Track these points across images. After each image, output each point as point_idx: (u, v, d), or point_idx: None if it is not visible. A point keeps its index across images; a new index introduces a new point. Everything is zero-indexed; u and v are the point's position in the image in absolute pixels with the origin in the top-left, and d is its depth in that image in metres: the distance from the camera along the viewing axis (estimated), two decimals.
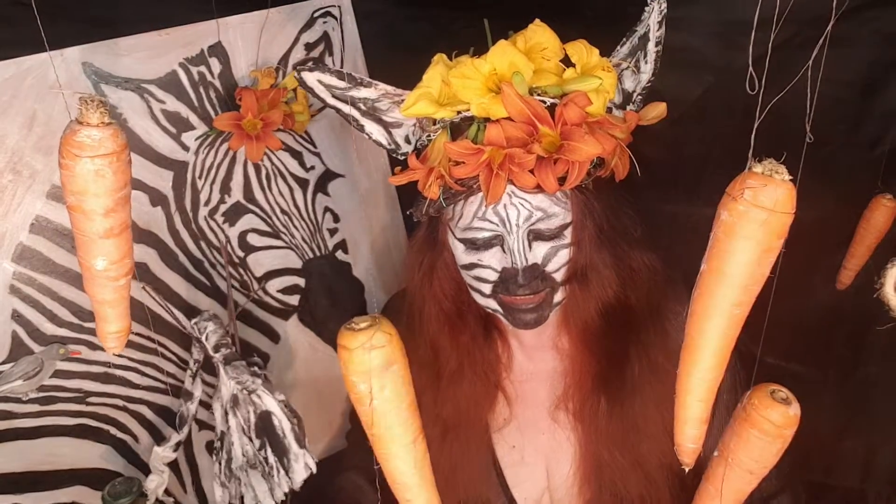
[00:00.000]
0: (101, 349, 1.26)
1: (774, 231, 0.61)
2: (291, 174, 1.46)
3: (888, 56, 1.28)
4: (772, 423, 0.75)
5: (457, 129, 0.92)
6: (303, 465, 1.18)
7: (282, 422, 1.17)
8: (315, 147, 1.49)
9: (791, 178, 0.61)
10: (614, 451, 1.06)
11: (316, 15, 1.44)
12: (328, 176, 1.52)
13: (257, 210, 1.43)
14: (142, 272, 1.30)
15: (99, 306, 0.77)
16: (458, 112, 0.91)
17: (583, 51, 0.89)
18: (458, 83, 0.88)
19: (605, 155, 0.89)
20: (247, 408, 1.16)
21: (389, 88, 0.98)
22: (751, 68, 0.61)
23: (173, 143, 1.31)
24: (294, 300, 1.51)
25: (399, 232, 1.66)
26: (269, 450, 1.17)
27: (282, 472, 1.17)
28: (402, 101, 0.96)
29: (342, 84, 0.97)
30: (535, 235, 0.96)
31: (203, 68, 1.32)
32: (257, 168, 1.41)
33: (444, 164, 0.91)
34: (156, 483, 1.21)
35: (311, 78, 0.97)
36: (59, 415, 1.25)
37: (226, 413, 1.20)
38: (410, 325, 1.11)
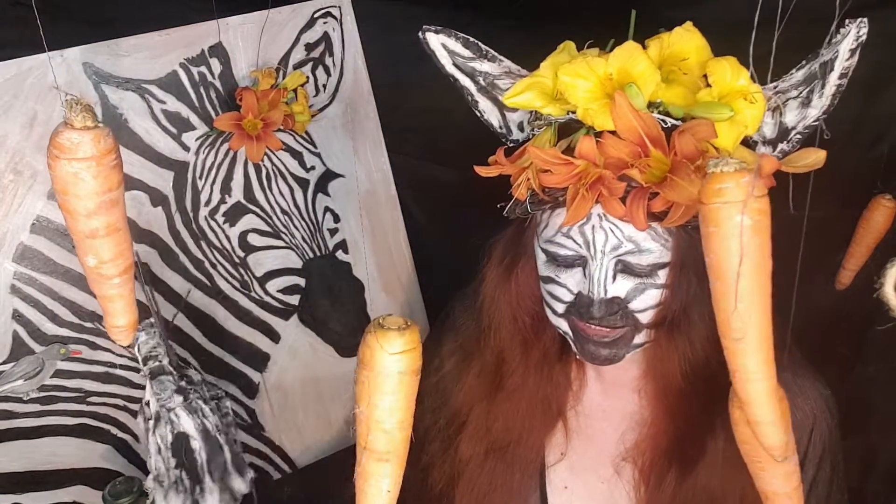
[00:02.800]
0: (102, 349, 1.27)
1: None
2: (292, 174, 1.46)
3: (889, 56, 1.28)
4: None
5: (565, 130, 0.83)
6: (217, 501, 1.11)
7: (199, 448, 1.11)
8: (315, 147, 1.49)
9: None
10: None
11: (316, 15, 1.44)
12: (328, 176, 1.52)
13: (258, 210, 1.43)
14: (142, 272, 1.30)
15: (101, 301, 0.78)
16: (569, 112, 0.81)
17: (726, 70, 0.75)
18: (566, 82, 0.77)
19: None
20: (165, 426, 1.12)
21: (514, 67, 0.89)
22: (751, 68, 0.61)
23: (174, 144, 1.32)
24: (294, 300, 1.51)
25: (399, 232, 1.66)
26: (183, 472, 1.10)
27: (192, 499, 1.12)
28: None
29: (466, 53, 0.89)
30: (624, 267, 0.84)
31: (203, 68, 1.32)
32: (258, 168, 1.41)
33: (535, 165, 0.81)
34: None
35: (434, 40, 0.89)
36: (59, 414, 1.25)
37: (147, 429, 1.15)
38: (479, 326, 1.02)
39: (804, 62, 0.80)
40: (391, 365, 0.69)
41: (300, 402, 1.56)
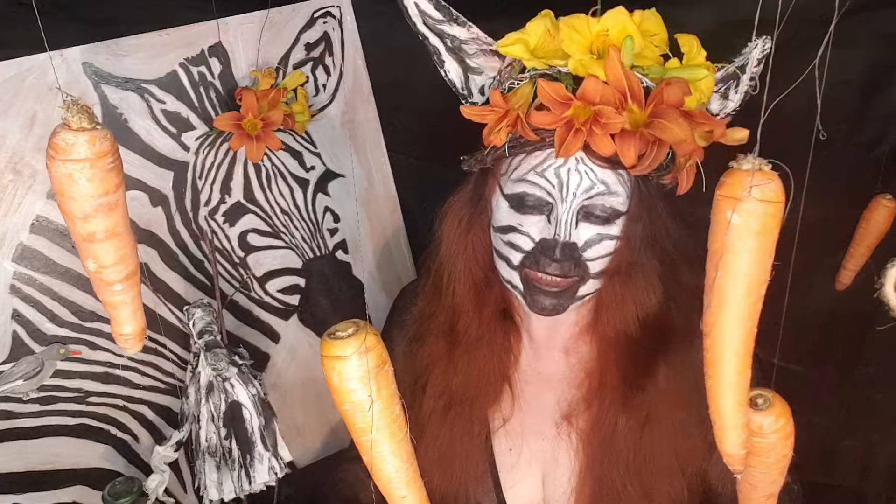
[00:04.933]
0: (102, 349, 1.27)
1: (779, 221, 0.62)
2: (291, 174, 1.46)
3: (889, 56, 1.28)
4: (762, 432, 0.75)
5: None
6: (266, 468, 1.15)
7: (252, 417, 1.15)
8: (315, 147, 1.49)
9: (774, 169, 0.62)
10: (625, 478, 1.00)
11: (316, 15, 1.44)
12: (328, 176, 1.52)
13: (257, 210, 1.43)
14: (142, 272, 1.30)
15: (106, 307, 0.77)
16: (550, 66, 0.87)
17: (694, 45, 0.87)
18: (566, 31, 0.84)
19: (683, 153, 0.84)
20: (219, 395, 1.15)
21: (482, 35, 0.95)
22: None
23: (174, 143, 1.31)
24: (294, 300, 1.51)
25: (399, 232, 1.66)
26: (234, 442, 1.15)
27: (243, 468, 1.15)
28: (492, 51, 0.94)
29: (437, 15, 0.93)
30: (586, 215, 0.91)
31: (203, 68, 1.32)
32: (257, 168, 1.41)
33: (523, 108, 0.87)
34: (157, 482, 1.21)
35: None
36: (59, 415, 1.25)
37: (199, 399, 1.18)
38: (437, 286, 1.08)
39: (720, 66, 0.91)
40: (353, 370, 0.72)
41: (300, 402, 1.56)
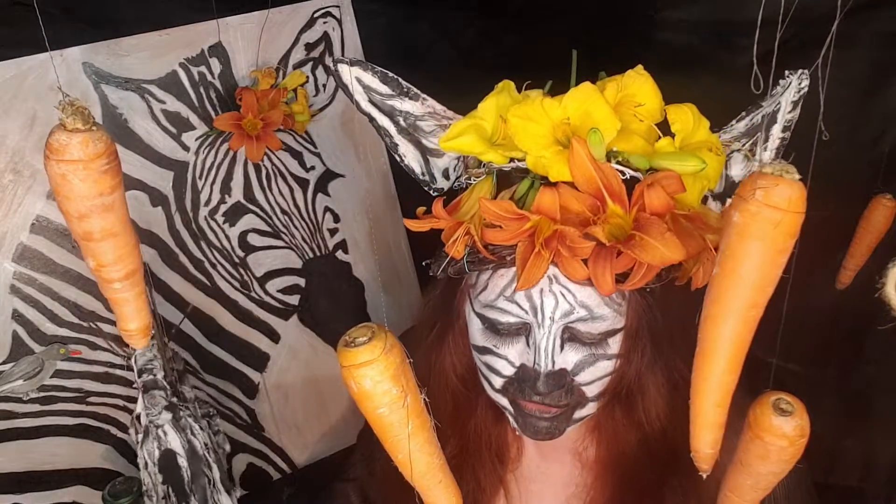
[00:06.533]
0: (102, 349, 1.27)
1: (787, 231, 0.60)
2: (291, 174, 1.46)
3: (889, 56, 1.28)
4: (782, 435, 0.75)
5: (505, 180, 0.74)
6: None
7: (187, 467, 1.08)
8: (315, 147, 1.49)
9: (801, 177, 0.60)
10: None
11: (316, 15, 1.44)
12: (328, 176, 1.52)
13: (257, 210, 1.43)
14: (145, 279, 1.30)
15: (111, 304, 0.78)
16: (512, 159, 0.72)
17: (689, 118, 0.71)
18: (517, 124, 0.69)
19: (687, 260, 0.69)
20: (153, 441, 1.09)
21: (439, 108, 0.81)
22: (756, 67, 0.61)
23: (174, 143, 1.32)
24: (294, 300, 1.51)
25: (399, 232, 1.66)
26: (170, 489, 1.09)
27: None
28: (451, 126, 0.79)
29: (384, 90, 0.80)
30: (571, 336, 0.77)
31: (203, 68, 1.32)
32: (257, 168, 1.41)
33: (476, 220, 0.73)
34: None
35: (348, 74, 0.79)
36: (59, 414, 1.25)
37: (137, 441, 1.12)
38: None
39: (744, 113, 0.76)
40: (384, 371, 0.67)
41: (300, 402, 1.56)
